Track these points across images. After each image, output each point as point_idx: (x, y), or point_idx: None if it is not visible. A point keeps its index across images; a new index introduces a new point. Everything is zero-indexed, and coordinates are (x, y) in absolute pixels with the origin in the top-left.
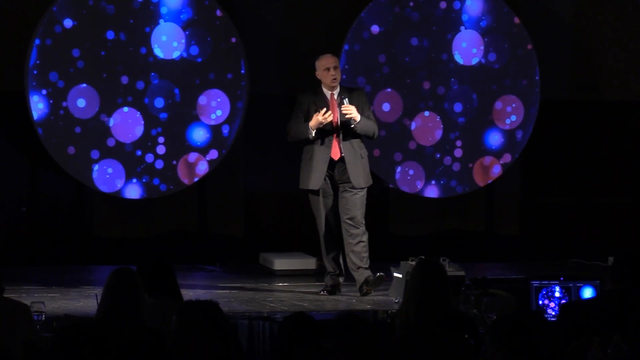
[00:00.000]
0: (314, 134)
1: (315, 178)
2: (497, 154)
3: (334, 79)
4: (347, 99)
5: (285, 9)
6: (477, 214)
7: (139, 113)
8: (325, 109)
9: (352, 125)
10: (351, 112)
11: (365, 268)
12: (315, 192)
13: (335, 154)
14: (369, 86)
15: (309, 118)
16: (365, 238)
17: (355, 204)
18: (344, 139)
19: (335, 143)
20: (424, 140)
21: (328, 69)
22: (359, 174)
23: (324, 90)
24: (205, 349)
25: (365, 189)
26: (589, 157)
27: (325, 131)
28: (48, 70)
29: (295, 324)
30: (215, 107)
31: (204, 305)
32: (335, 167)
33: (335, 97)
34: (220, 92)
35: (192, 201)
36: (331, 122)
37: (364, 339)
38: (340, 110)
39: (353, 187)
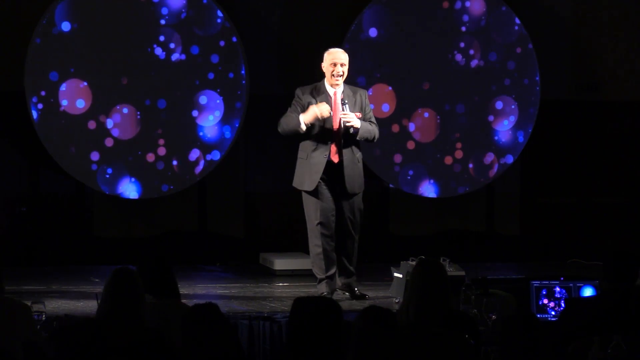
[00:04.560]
0: (304, 128)
1: (311, 179)
2: (497, 154)
3: (338, 76)
4: (347, 105)
5: (285, 9)
6: (477, 214)
7: (139, 113)
8: (327, 107)
9: (352, 132)
10: (351, 121)
11: (349, 275)
12: (311, 193)
13: (335, 157)
14: (370, 89)
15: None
16: (350, 243)
17: (350, 210)
18: (344, 142)
19: (334, 145)
20: (423, 139)
21: (335, 64)
22: (355, 180)
23: (327, 86)
24: (210, 350)
25: (360, 194)
26: (588, 157)
27: (325, 132)
28: (48, 70)
29: (319, 308)
30: (215, 107)
31: (205, 309)
32: (333, 171)
33: (338, 95)
34: (220, 92)
35: (192, 201)
36: (331, 123)
37: (388, 331)
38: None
39: (345, 194)
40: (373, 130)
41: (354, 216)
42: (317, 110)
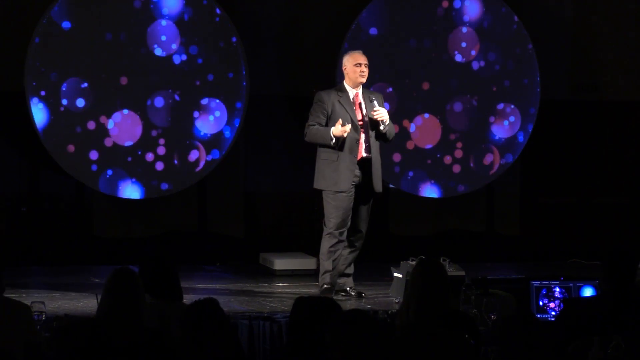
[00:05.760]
0: (333, 142)
1: (345, 178)
2: (498, 154)
3: (364, 76)
4: (376, 101)
5: (285, 9)
6: (477, 214)
7: (138, 113)
8: (349, 124)
9: (381, 127)
10: (382, 115)
11: (348, 274)
12: (336, 193)
13: (359, 155)
14: (370, 88)
15: (332, 115)
16: (360, 242)
17: (366, 209)
18: (370, 140)
19: (361, 143)
20: (423, 141)
21: (359, 65)
22: (379, 177)
23: (347, 87)
24: (209, 346)
25: None
26: (588, 157)
27: (352, 132)
28: (48, 71)
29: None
30: (215, 107)
31: (204, 304)
32: (357, 169)
33: (360, 95)
34: (220, 93)
35: (192, 201)
36: (357, 123)
37: (367, 334)
38: (371, 111)
39: (369, 192)
40: (394, 129)
41: (367, 214)
42: (347, 129)
